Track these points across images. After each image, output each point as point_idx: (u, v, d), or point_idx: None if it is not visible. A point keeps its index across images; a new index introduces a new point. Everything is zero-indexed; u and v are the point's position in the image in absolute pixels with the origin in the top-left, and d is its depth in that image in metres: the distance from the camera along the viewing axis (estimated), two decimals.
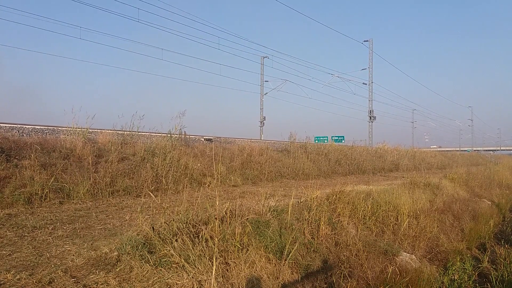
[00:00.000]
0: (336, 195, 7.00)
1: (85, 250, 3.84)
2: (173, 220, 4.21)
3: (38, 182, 6.31)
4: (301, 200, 6.51)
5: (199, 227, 4.16)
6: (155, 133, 11.42)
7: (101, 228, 4.80)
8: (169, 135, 10.56)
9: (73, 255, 3.66)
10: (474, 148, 74.49)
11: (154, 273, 3.47)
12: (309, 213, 5.90)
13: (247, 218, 4.63)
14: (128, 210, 6.10)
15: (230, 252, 4.10)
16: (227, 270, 3.94)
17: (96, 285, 3.12)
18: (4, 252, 3.70)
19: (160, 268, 3.55)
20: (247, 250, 4.28)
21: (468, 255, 8.16)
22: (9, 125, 9.37)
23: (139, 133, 10.73)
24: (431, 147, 77.31)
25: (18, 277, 3.05)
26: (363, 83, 30.08)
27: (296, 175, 13.24)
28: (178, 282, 3.45)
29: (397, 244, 6.98)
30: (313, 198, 6.37)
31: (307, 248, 5.27)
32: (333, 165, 16.34)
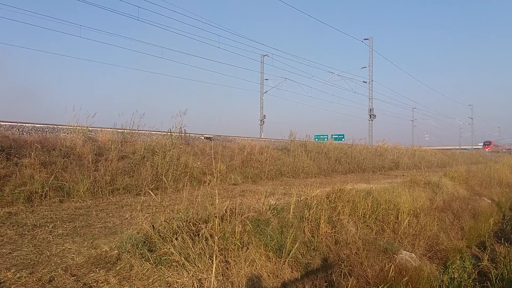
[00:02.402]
0: (336, 194, 7.00)
1: (85, 248, 3.84)
2: (173, 218, 4.21)
3: (38, 181, 6.30)
4: (301, 199, 6.51)
5: (199, 225, 4.16)
6: (155, 131, 11.42)
7: (101, 227, 4.80)
8: (169, 133, 10.55)
9: (73, 254, 3.67)
10: (474, 147, 74.48)
11: (154, 272, 3.47)
12: (309, 211, 5.90)
13: (247, 217, 4.63)
14: (128, 208, 6.10)
15: (230, 251, 4.11)
16: (227, 269, 3.95)
17: (96, 284, 3.12)
18: (4, 250, 3.70)
19: (160, 266, 3.55)
20: (247, 248, 4.29)
21: (468, 253, 8.16)
22: (9, 123, 9.36)
23: (139, 131, 10.72)
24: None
25: (18, 275, 3.06)
26: (363, 81, 30.07)
27: (296, 174, 13.24)
28: (178, 280, 3.45)
29: (397, 242, 6.98)
30: (313, 196, 6.37)
31: (307, 247, 5.27)
32: (333, 163, 16.34)
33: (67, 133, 8.91)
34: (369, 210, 7.15)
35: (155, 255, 3.68)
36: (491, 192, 16.44)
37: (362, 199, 7.33)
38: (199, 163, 10.01)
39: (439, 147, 51.79)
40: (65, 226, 4.73)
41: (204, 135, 14.16)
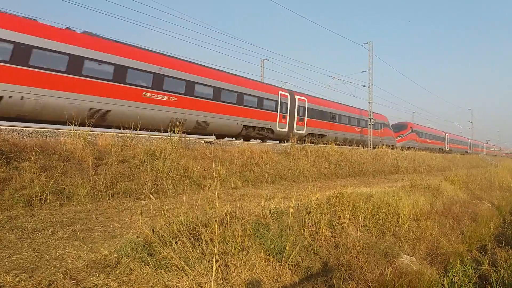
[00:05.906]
0: (336, 198, 7.01)
1: (85, 252, 3.84)
2: (173, 222, 4.21)
3: (38, 185, 6.30)
4: (302, 203, 6.51)
5: (199, 229, 4.16)
6: (155, 135, 11.43)
7: (101, 231, 4.79)
8: (169, 137, 10.57)
9: (73, 258, 3.66)
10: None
11: (154, 276, 3.47)
12: (309, 215, 5.90)
13: (247, 221, 4.63)
14: (128, 212, 6.09)
15: (230, 255, 4.10)
16: (227, 273, 3.94)
17: (96, 287, 3.12)
18: (4, 254, 3.70)
19: (160, 270, 3.55)
20: (247, 252, 4.28)
21: (469, 257, 8.15)
22: (9, 127, 9.37)
23: (139, 135, 10.74)
24: None
25: (18, 279, 3.05)
26: (363, 85, 30.09)
27: (296, 178, 13.23)
28: (178, 284, 3.45)
29: (397, 246, 6.96)
30: (313, 200, 6.37)
31: (307, 251, 5.27)
32: (333, 167, 16.33)
33: (67, 137, 8.92)
34: (370, 214, 7.14)
35: (154, 259, 3.67)
36: (491, 196, 16.44)
37: (362, 203, 7.33)
38: (199, 167, 10.01)
39: None
40: (64, 230, 4.72)
41: (204, 139, 14.16)
